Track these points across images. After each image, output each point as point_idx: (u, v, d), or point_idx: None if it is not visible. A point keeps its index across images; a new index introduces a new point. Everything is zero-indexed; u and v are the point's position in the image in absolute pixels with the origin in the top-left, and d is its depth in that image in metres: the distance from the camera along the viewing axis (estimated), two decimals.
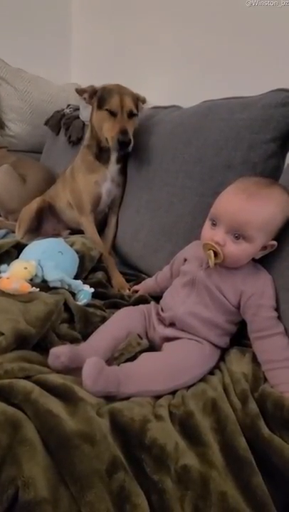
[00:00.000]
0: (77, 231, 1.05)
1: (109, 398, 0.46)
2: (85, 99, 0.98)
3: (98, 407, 0.42)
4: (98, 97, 0.94)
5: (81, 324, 0.61)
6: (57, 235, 1.08)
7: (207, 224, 0.58)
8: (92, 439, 0.36)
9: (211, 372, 0.55)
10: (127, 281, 0.88)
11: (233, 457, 0.40)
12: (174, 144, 0.84)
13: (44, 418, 0.37)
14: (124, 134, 0.88)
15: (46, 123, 1.55)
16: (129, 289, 0.83)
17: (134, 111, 0.94)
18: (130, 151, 0.92)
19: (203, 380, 0.53)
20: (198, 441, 0.41)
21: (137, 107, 0.95)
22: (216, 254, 0.54)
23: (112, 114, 0.91)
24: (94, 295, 0.72)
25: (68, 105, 1.52)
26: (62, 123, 1.43)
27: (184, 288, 0.62)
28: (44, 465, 0.33)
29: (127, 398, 0.47)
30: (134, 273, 0.93)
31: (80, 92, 0.98)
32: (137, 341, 0.57)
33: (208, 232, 0.57)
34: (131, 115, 0.93)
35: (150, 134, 0.95)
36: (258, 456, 0.41)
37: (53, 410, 0.38)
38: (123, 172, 1.03)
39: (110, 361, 0.54)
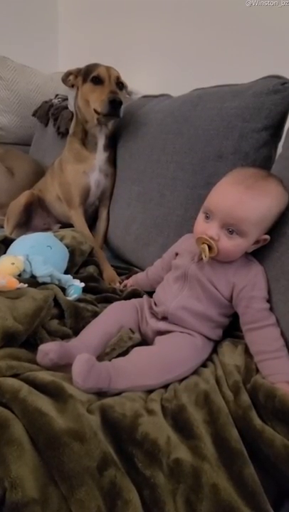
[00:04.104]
0: (67, 225, 1.03)
1: (101, 394, 0.45)
2: (70, 80, 0.95)
3: (89, 404, 0.41)
4: (83, 73, 0.92)
5: (72, 320, 0.59)
6: (47, 230, 1.06)
7: (200, 217, 0.57)
8: (81, 437, 0.35)
9: (204, 365, 0.55)
10: (119, 274, 0.87)
11: (225, 449, 0.40)
12: (164, 134, 0.82)
13: (32, 417, 0.36)
14: (114, 94, 0.84)
15: (34, 114, 1.51)
16: (120, 283, 0.82)
17: (122, 81, 0.91)
18: (119, 136, 0.90)
19: (195, 372, 0.52)
20: (191, 435, 0.41)
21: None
22: (210, 248, 0.53)
23: (99, 81, 0.88)
24: (85, 289, 0.71)
25: (56, 95, 1.48)
26: (51, 114, 1.39)
27: (176, 282, 0.61)
28: (32, 465, 0.33)
29: (119, 393, 0.46)
30: (126, 266, 0.92)
31: (65, 76, 0.95)
32: (128, 336, 0.56)
33: (201, 226, 0.56)
34: (119, 85, 0.90)
35: (140, 124, 0.92)
36: (250, 447, 0.41)
37: (41, 408, 0.37)
38: (111, 162, 1.01)
39: (102, 356, 0.53)
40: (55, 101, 1.45)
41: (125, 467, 0.36)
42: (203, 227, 0.55)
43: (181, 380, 0.51)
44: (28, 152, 1.55)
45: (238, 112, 0.67)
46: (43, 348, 0.48)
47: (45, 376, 0.43)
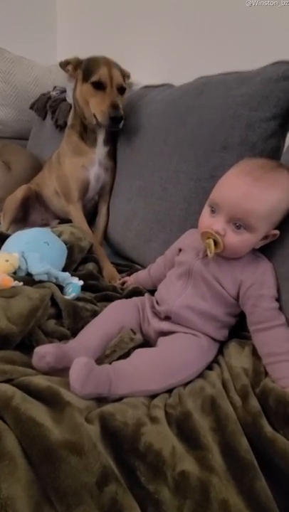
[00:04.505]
0: (66, 221, 1.00)
1: (101, 400, 0.42)
2: (68, 71, 0.91)
3: (88, 412, 0.38)
4: (83, 68, 0.88)
5: (70, 320, 0.56)
6: (45, 225, 1.03)
7: (206, 210, 0.54)
8: (79, 450, 0.32)
9: (209, 367, 0.52)
10: (120, 271, 0.84)
11: (234, 460, 0.37)
12: (166, 125, 0.79)
13: (26, 427, 0.33)
14: (115, 109, 0.81)
15: (32, 107, 1.47)
16: (121, 281, 0.79)
17: (124, 85, 0.88)
18: (119, 130, 0.87)
19: (201, 376, 0.50)
20: (197, 444, 0.38)
21: (124, 81, 0.89)
22: (215, 243, 0.50)
23: (100, 86, 0.84)
24: (85, 287, 0.68)
25: (55, 87, 1.44)
26: (49, 106, 1.36)
27: (179, 279, 0.58)
28: (25, 481, 0.30)
29: (120, 399, 0.44)
30: (127, 263, 0.89)
31: (63, 64, 0.91)
32: (129, 336, 0.53)
33: (207, 220, 0.53)
34: (120, 90, 0.86)
35: (141, 115, 0.89)
36: (261, 457, 0.38)
37: (36, 418, 0.34)
38: (112, 156, 0.98)
39: (101, 359, 0.50)
40: (54, 93, 1.41)
41: (127, 482, 0.33)
42: (209, 221, 0.52)
43: (185, 384, 0.48)
44: (25, 147, 1.51)
45: (245, 100, 0.64)
46: (39, 350, 0.45)
47: (40, 381, 0.40)
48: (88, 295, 0.69)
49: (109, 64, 0.86)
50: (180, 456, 0.36)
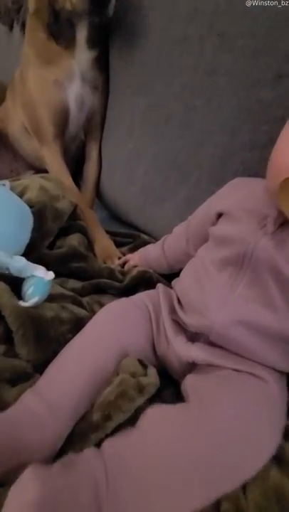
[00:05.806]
0: (44, 171, 0.74)
1: None
2: None
3: None
4: None
5: (28, 346, 0.32)
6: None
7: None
8: None
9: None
10: (119, 245, 0.61)
11: None
12: None
13: None
14: None
15: None
16: (122, 260, 0.56)
17: None
18: (112, 19, 0.53)
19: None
20: None
21: None
22: None
23: None
24: (66, 273, 0.48)
25: None
26: (11, 3, 0.98)
27: (222, 270, 0.34)
28: None
29: None
30: (130, 232, 0.66)
31: None
32: (136, 383, 0.29)
33: None
34: None
35: None
36: None
37: None
38: (102, 66, 0.65)
39: (85, 428, 0.27)
40: None
41: None
42: None
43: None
44: None
45: None
46: None
47: None
48: (70, 286, 0.47)
49: None
50: None
